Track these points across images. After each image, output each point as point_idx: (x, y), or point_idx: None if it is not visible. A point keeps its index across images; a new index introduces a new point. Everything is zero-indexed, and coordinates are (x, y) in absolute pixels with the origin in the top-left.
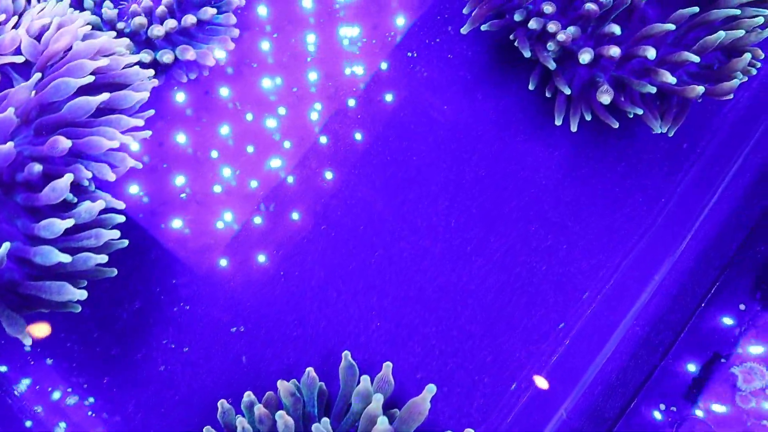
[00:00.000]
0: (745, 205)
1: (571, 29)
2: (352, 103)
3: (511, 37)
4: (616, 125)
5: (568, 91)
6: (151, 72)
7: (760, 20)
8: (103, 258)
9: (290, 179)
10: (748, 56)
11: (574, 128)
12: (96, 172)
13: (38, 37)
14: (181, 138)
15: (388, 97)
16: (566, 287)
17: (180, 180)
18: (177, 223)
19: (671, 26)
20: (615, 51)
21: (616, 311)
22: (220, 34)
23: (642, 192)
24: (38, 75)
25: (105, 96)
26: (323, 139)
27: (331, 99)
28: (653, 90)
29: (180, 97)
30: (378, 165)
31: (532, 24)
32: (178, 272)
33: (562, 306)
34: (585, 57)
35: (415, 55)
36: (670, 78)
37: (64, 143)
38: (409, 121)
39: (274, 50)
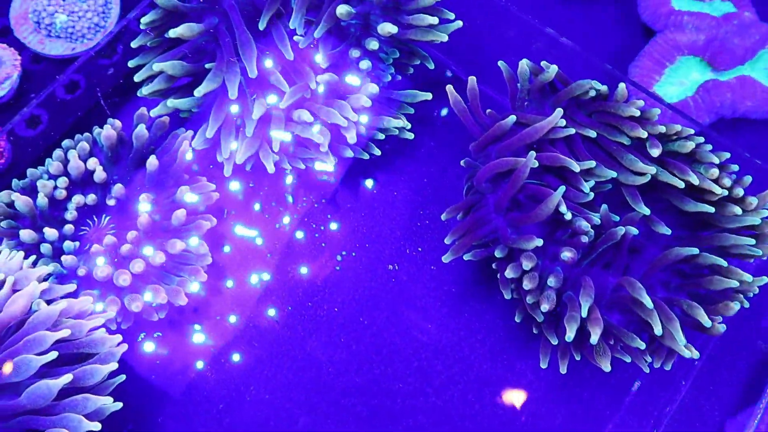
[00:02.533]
0: None
1: (552, 281)
2: (330, 326)
3: (494, 266)
4: (608, 369)
5: (555, 341)
6: (119, 338)
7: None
8: None
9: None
10: (736, 306)
11: (563, 370)
12: None
13: None
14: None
15: (368, 319)
16: None
17: None
18: None
19: (648, 300)
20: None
21: None
22: (192, 264)
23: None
24: None
25: (68, 378)
26: (303, 365)
27: (310, 320)
28: (642, 346)
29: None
30: (361, 394)
31: (509, 273)
32: None
33: None
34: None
35: (396, 267)
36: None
37: None
38: (392, 343)
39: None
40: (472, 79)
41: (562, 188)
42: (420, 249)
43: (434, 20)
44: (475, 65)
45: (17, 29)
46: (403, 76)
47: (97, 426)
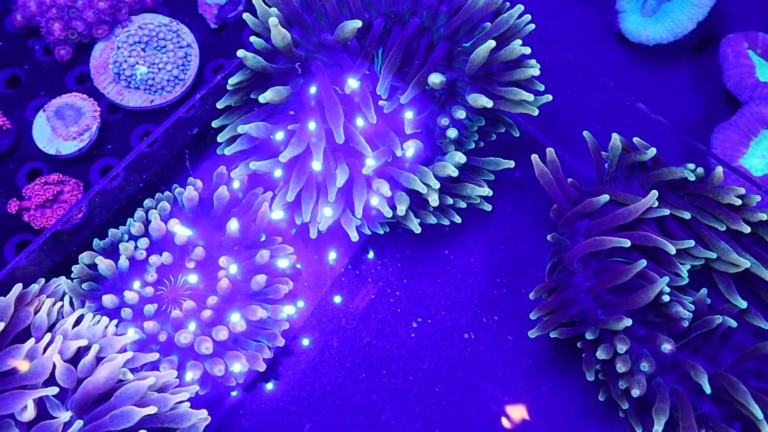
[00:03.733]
0: None
1: (645, 366)
2: (405, 396)
3: (579, 345)
4: None
5: (640, 430)
6: (204, 413)
7: None
8: None
9: None
10: None
11: None
12: None
13: (74, 359)
14: None
15: (443, 389)
16: None
17: None
18: None
19: (758, 411)
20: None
21: None
22: (271, 328)
23: None
24: (79, 424)
25: None
26: None
27: (385, 389)
28: None
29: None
30: None
31: (601, 354)
32: None
33: None
34: None
35: (472, 336)
36: None
37: None
38: (467, 416)
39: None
40: (550, 151)
41: (666, 279)
42: (496, 318)
43: (529, 97)
44: (551, 128)
45: (96, 78)
46: (486, 142)
47: None
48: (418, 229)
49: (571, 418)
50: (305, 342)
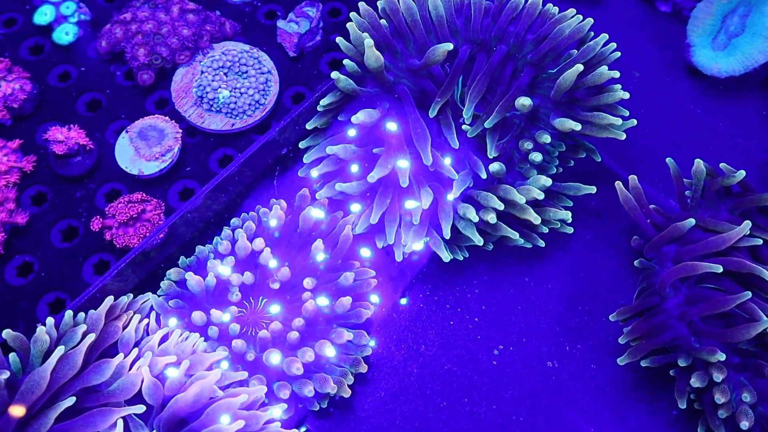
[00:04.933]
0: None
1: (747, 396)
2: (488, 425)
3: (672, 373)
4: None
5: None
6: None
7: None
8: None
9: None
10: None
11: None
12: None
13: (159, 377)
14: None
15: (527, 418)
16: None
17: None
18: None
19: None
20: None
21: None
22: (354, 354)
23: None
24: None
25: None
26: None
27: (467, 417)
28: None
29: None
30: None
31: (695, 382)
32: None
33: None
34: None
35: (555, 365)
36: None
37: None
38: None
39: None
40: (633, 178)
41: None
42: (579, 346)
43: (617, 121)
44: (624, 157)
45: (177, 102)
46: (563, 169)
47: None
48: (515, 235)
49: None
50: (384, 368)
